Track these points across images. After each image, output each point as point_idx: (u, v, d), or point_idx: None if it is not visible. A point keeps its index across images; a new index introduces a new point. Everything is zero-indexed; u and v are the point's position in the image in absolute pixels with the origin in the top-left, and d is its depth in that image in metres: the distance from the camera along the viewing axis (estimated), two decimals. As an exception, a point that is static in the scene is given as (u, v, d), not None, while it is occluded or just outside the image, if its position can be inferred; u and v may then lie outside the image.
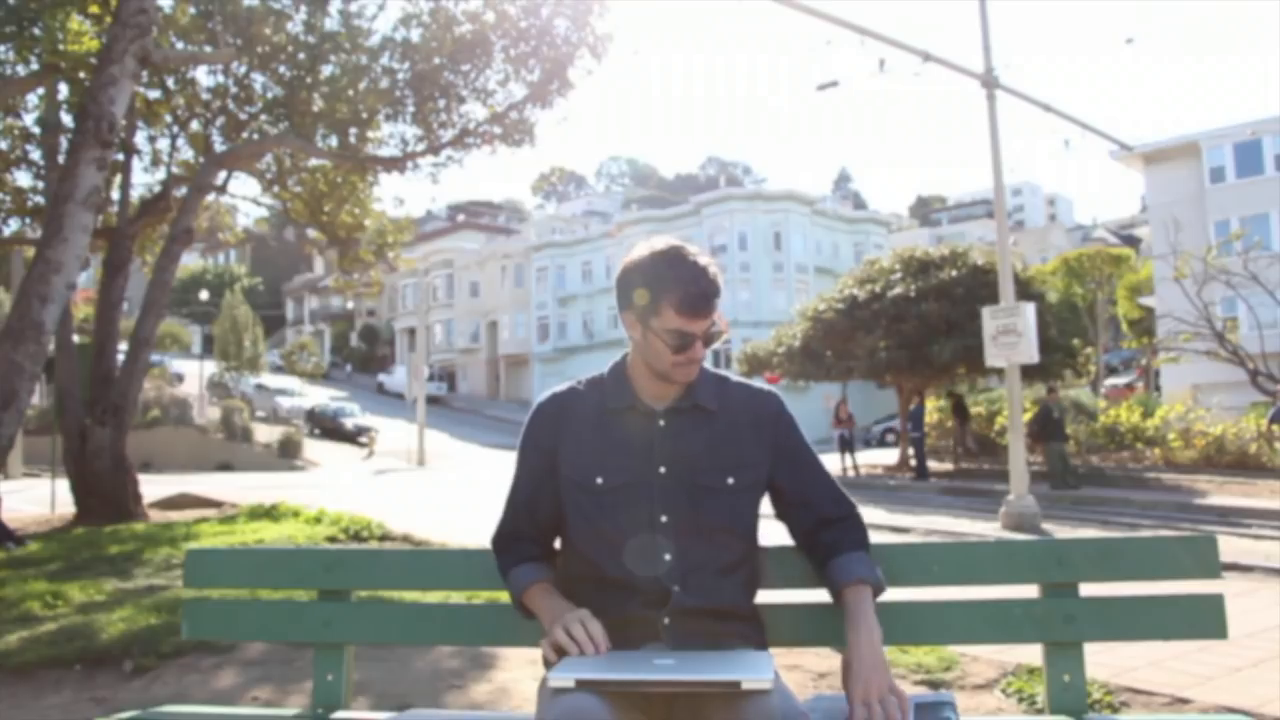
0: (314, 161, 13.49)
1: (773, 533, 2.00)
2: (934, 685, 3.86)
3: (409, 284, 56.51)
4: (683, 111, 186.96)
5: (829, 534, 1.90)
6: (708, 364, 1.98)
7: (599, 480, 1.85)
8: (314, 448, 32.72)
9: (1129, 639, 2.02)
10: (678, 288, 1.77)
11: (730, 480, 1.85)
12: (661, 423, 1.89)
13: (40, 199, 11.92)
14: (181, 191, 11.86)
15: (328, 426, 36.57)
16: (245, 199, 22.49)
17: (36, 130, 11.85)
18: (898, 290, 19.76)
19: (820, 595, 2.02)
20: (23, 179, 12.53)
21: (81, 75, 9.37)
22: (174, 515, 10.94)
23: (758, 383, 2.00)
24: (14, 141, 12.02)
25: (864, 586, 1.81)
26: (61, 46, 9.45)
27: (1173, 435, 18.23)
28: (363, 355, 63.74)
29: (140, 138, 12.61)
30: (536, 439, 1.93)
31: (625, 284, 1.85)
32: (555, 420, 1.93)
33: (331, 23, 12.44)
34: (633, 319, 1.85)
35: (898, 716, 1.63)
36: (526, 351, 53.48)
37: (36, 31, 9.72)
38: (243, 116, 12.79)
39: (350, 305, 61.20)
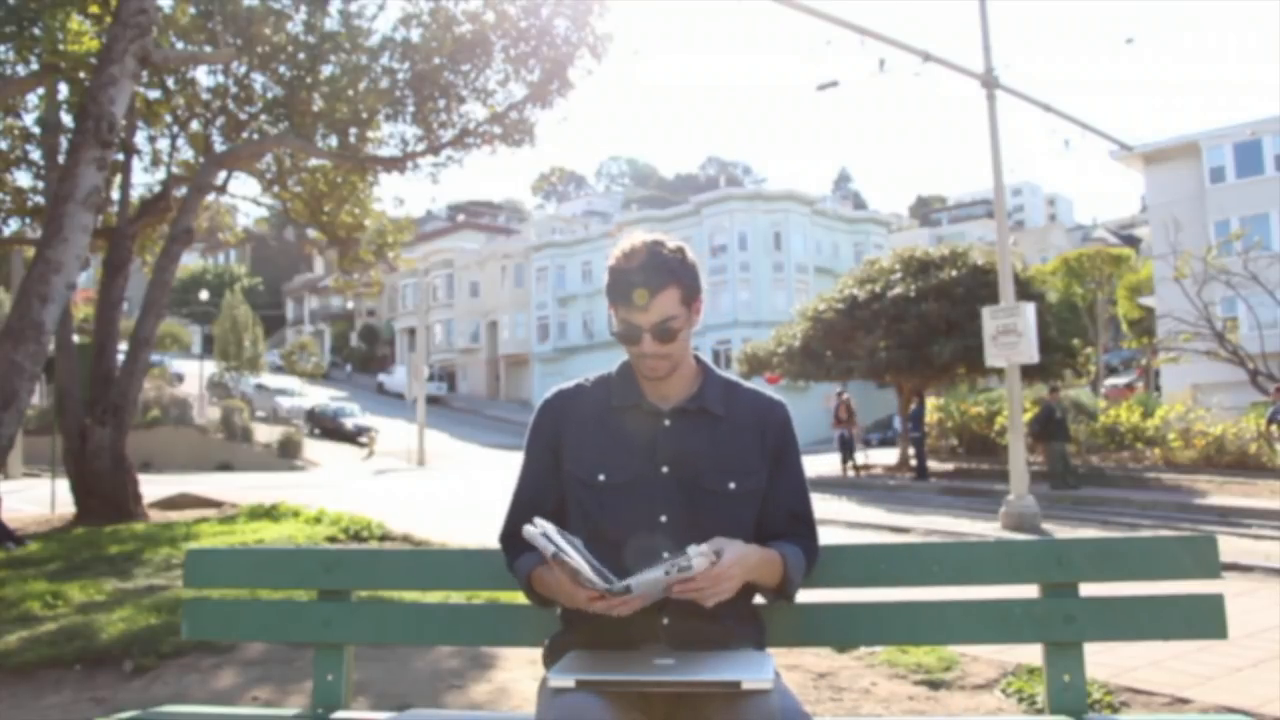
0: (314, 161, 13.49)
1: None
2: (934, 685, 3.86)
3: (409, 284, 56.50)
4: (683, 111, 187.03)
5: (779, 540, 1.90)
6: (703, 359, 1.99)
7: (601, 477, 1.85)
8: (314, 448, 32.72)
9: (1129, 639, 2.02)
10: (623, 279, 1.81)
11: (732, 485, 1.85)
12: (666, 423, 1.89)
13: (40, 199, 11.92)
14: (181, 191, 11.86)
15: (328, 426, 36.57)
16: (245, 199, 22.53)
17: (36, 130, 11.85)
18: (898, 290, 19.76)
19: (820, 595, 2.03)
20: (23, 179, 12.55)
21: (81, 75, 9.37)
22: (174, 515, 10.94)
23: (767, 390, 2.00)
24: (14, 141, 12.02)
25: (779, 559, 1.82)
26: (61, 46, 9.44)
27: (1173, 435, 18.22)
28: (363, 355, 63.72)
29: (140, 138, 12.63)
30: (542, 435, 1.94)
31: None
32: (560, 416, 1.93)
33: (331, 23, 12.45)
34: (611, 314, 1.88)
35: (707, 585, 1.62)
36: (526, 351, 53.48)
37: (36, 31, 9.72)
38: (243, 116, 12.79)
39: (350, 305, 61.19)
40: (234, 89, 12.60)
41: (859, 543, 2.17)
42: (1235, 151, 28.18)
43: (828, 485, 18.58)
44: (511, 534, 1.95)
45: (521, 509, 1.94)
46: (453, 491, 16.19)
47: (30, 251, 10.35)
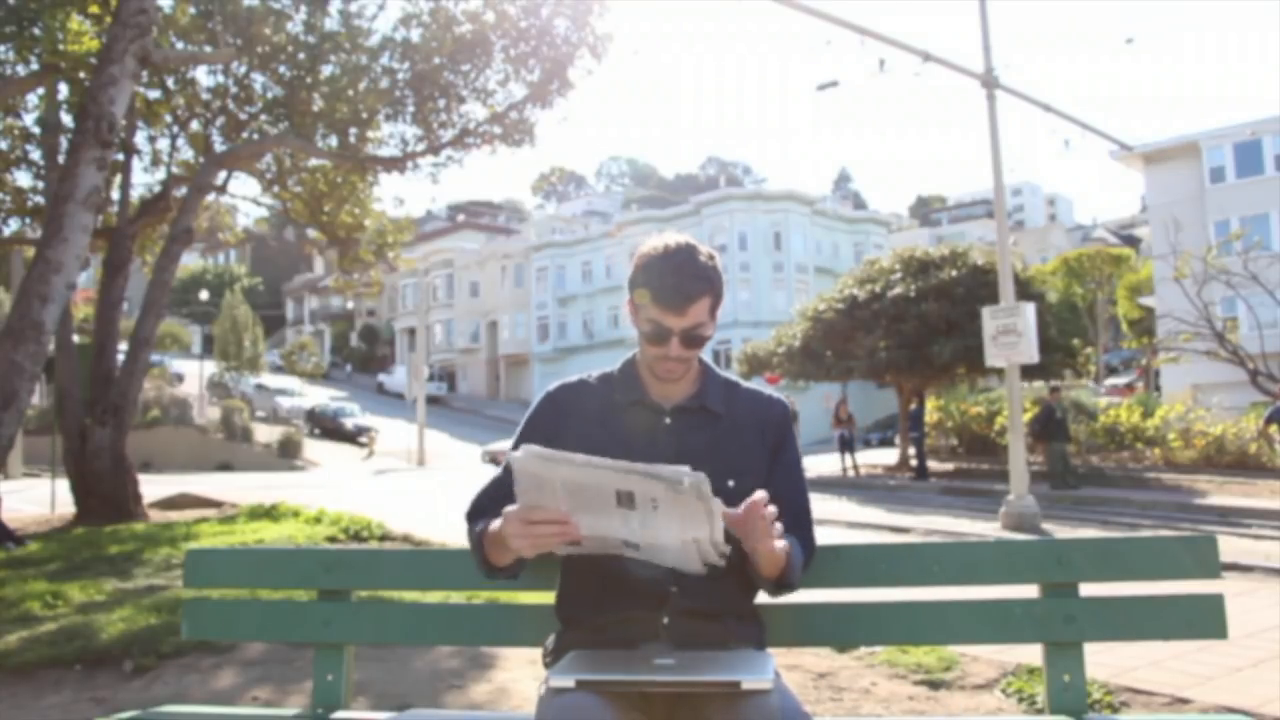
0: (314, 161, 13.48)
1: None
2: (934, 685, 3.86)
3: (409, 284, 56.51)
4: (683, 111, 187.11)
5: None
6: (703, 358, 1.99)
7: None
8: (314, 448, 32.73)
9: (1129, 639, 2.02)
10: (657, 279, 1.80)
11: (731, 483, 1.85)
12: (667, 420, 1.89)
13: (40, 199, 11.92)
14: (181, 191, 11.86)
15: (328, 426, 36.58)
16: (245, 199, 22.55)
17: (36, 130, 11.85)
18: (898, 290, 19.76)
19: (820, 595, 2.03)
20: (23, 179, 12.55)
21: (81, 75, 9.37)
22: (174, 515, 10.93)
23: (767, 389, 2.00)
24: (14, 141, 12.01)
25: (786, 547, 1.79)
26: (61, 46, 9.44)
27: (1173, 435, 18.22)
28: (363, 355, 63.74)
29: (140, 138, 12.62)
30: (538, 424, 1.95)
31: (631, 274, 1.89)
32: (561, 410, 1.94)
33: (331, 23, 12.45)
34: (632, 308, 1.88)
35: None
36: (526, 351, 53.49)
37: (36, 31, 9.73)
38: (243, 116, 12.79)
39: (350, 305, 61.20)
40: (234, 89, 12.60)
41: (859, 543, 2.16)
42: (1235, 151, 28.17)
43: (828, 485, 18.58)
44: (478, 509, 1.91)
45: (497, 488, 1.90)
46: (453, 491, 16.18)
47: (30, 251, 10.35)
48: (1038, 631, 2.01)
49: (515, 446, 1.93)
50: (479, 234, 67.82)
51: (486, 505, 1.91)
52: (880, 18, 66.09)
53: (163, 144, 13.04)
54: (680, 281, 1.79)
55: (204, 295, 50.40)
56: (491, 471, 2.00)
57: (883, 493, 17.58)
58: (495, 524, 1.76)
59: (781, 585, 1.86)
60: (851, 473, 20.46)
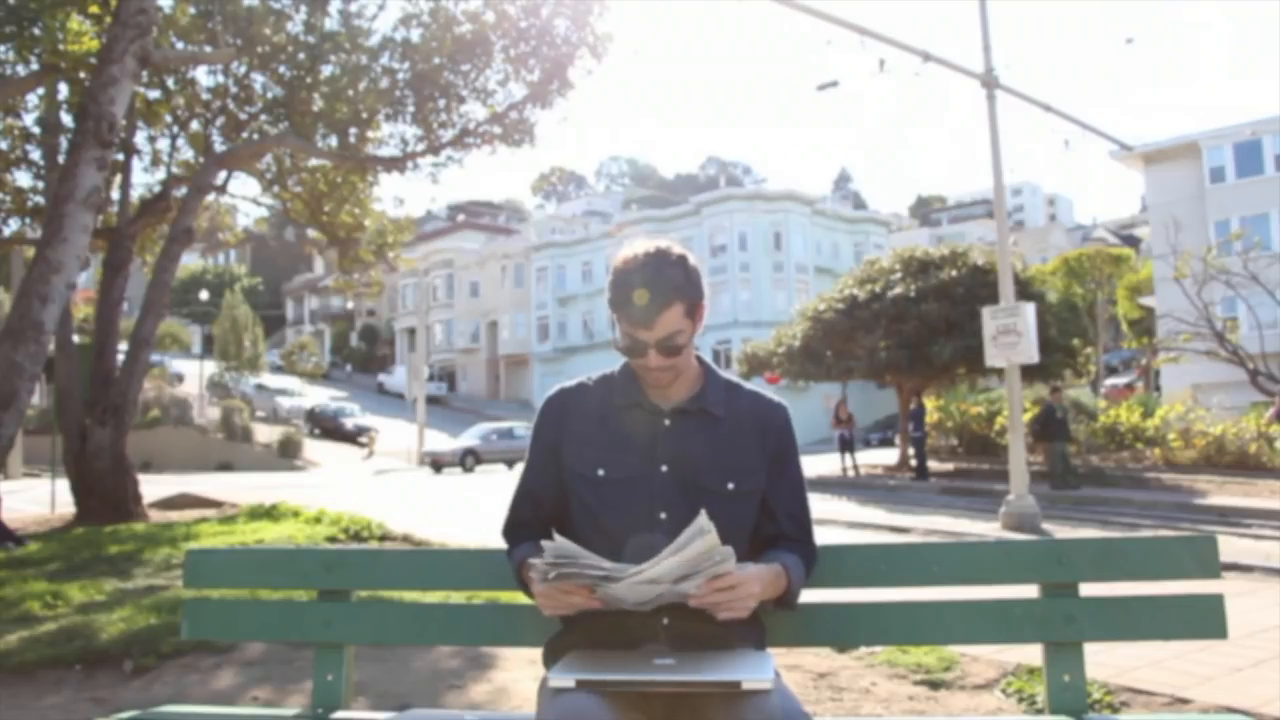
0: (314, 161, 13.48)
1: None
2: (934, 685, 3.86)
3: (409, 284, 56.51)
4: (683, 111, 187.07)
5: (777, 545, 1.89)
6: (705, 359, 1.98)
7: (601, 472, 1.86)
8: (314, 448, 32.73)
9: (1129, 639, 2.02)
10: (623, 294, 1.81)
11: (730, 485, 1.86)
12: (667, 422, 1.89)
13: (40, 199, 11.91)
14: (181, 191, 11.86)
15: (328, 426, 36.61)
16: (245, 199, 22.50)
17: (36, 130, 11.85)
18: (898, 290, 19.75)
19: (819, 595, 2.03)
20: (23, 179, 12.53)
21: (81, 75, 9.37)
22: (174, 515, 10.94)
23: (768, 392, 2.00)
24: (14, 141, 12.01)
25: (783, 571, 1.81)
26: (61, 46, 9.44)
27: (1173, 435, 18.22)
28: (363, 355, 63.74)
29: (140, 138, 12.63)
30: (542, 434, 1.96)
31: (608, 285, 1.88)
32: (561, 415, 1.94)
33: (331, 23, 12.46)
34: (614, 318, 1.88)
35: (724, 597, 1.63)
36: (526, 351, 53.49)
37: (36, 31, 9.72)
38: (243, 116, 12.79)
39: (350, 305, 61.19)
40: (234, 89, 12.60)
41: (859, 543, 2.16)
42: (1235, 151, 28.18)
43: (828, 485, 18.57)
44: (513, 526, 1.99)
45: (523, 502, 1.98)
46: (452, 491, 16.19)
47: (30, 251, 10.35)
48: (1038, 631, 2.00)
49: (529, 456, 1.98)
50: (479, 234, 67.80)
51: (522, 520, 1.97)
52: (880, 18, 66.06)
53: (163, 144, 13.05)
54: (644, 295, 1.78)
55: (204, 295, 50.39)
56: (504, 480, 2.01)
57: (883, 493, 17.58)
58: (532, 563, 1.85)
59: (782, 605, 1.88)
60: (851, 473, 20.47)
